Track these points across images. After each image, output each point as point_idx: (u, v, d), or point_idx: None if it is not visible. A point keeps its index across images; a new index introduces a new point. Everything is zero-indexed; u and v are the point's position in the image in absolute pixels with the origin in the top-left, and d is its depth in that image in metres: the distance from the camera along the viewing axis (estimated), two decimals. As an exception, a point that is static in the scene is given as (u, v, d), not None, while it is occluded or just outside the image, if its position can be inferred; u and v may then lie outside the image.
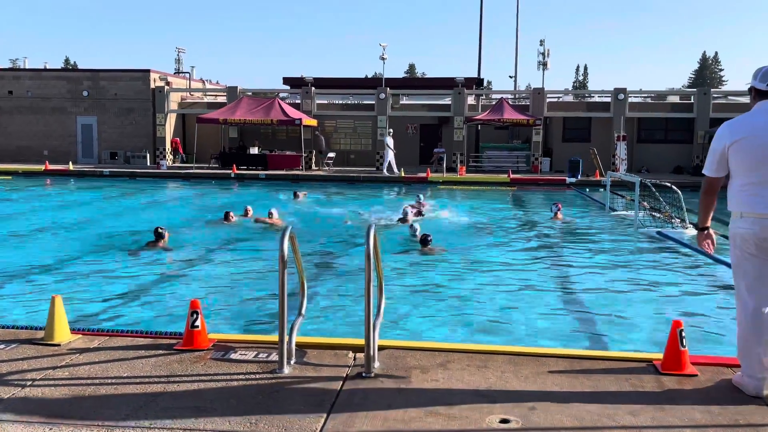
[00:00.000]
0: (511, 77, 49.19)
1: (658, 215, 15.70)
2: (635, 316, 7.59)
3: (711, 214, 4.19)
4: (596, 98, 35.23)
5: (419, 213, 15.50)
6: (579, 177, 26.69)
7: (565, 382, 4.23)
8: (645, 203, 16.57)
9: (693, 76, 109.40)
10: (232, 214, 14.57)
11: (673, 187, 15.38)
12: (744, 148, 3.87)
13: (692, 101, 31.09)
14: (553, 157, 31.46)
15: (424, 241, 11.17)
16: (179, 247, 11.82)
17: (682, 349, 4.38)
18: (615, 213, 17.28)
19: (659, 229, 14.13)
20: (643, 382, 4.24)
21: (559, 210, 16.04)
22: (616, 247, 12.47)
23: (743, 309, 4.01)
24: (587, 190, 24.05)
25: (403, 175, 26.86)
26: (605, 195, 19.02)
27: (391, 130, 29.59)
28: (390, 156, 28.14)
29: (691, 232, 13.77)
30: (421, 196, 18.55)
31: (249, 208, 15.12)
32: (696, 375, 4.34)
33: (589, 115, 31.93)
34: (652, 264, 10.91)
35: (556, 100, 34.65)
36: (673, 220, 14.93)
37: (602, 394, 4.05)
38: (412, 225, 12.05)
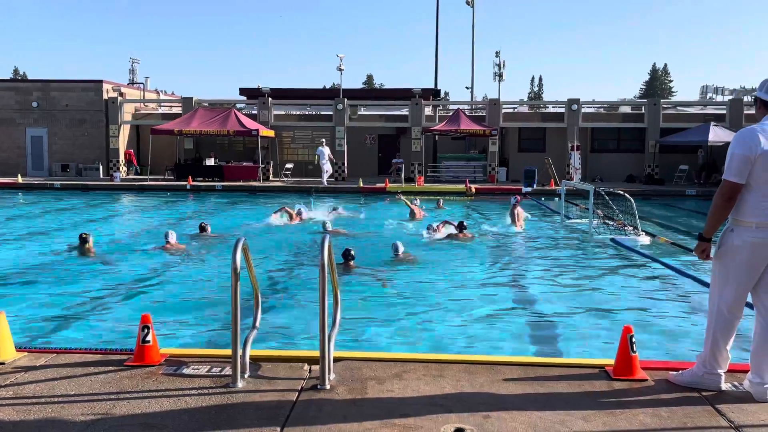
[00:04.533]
0: (467, 88, 49.76)
1: (612, 223, 16.01)
2: (589, 322, 7.71)
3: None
4: (551, 109, 35.90)
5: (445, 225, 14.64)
6: (534, 186, 27.10)
7: (519, 390, 4.26)
8: (599, 211, 16.89)
9: (644, 87, 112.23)
10: (207, 225, 14.44)
11: (626, 195, 15.71)
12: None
13: (643, 111, 31.89)
14: (510, 167, 31.89)
15: (346, 255, 10.62)
16: (130, 261, 11.61)
17: (633, 354, 4.46)
18: (570, 221, 17.56)
19: (613, 237, 14.41)
20: (596, 388, 4.30)
21: (518, 202, 16.43)
22: (570, 255, 12.66)
23: (719, 313, 4.14)
24: (542, 199, 24.43)
25: (361, 185, 26.87)
26: (560, 204, 19.32)
27: (324, 140, 29.54)
28: (327, 166, 28.27)
29: (644, 239, 14.08)
30: (417, 201, 18.64)
31: (301, 209, 16.66)
32: (646, 380, 4.42)
33: (544, 125, 32.48)
34: (605, 271, 11.11)
35: (511, 110, 35.14)
36: (626, 228, 15.24)
37: (555, 400, 4.10)
38: (394, 243, 11.75)
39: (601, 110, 35.60)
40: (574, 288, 9.68)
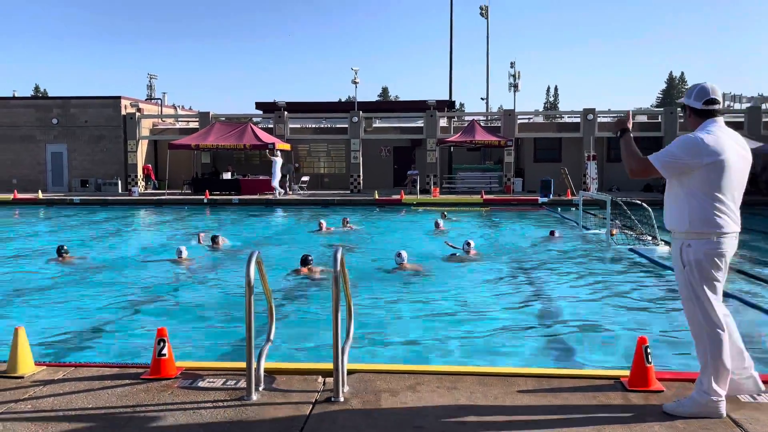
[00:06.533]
0: (482, 99, 49.80)
1: (630, 233, 15.91)
2: (606, 333, 7.66)
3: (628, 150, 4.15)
4: (566, 119, 35.78)
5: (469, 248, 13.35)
6: (551, 196, 26.99)
7: (534, 402, 4.24)
8: (617, 221, 16.79)
9: (661, 95, 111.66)
10: (220, 237, 14.77)
11: (644, 204, 15.62)
12: (719, 169, 3.86)
13: (660, 120, 31.70)
14: (525, 178, 31.82)
15: (304, 261, 11.12)
16: (146, 274, 11.71)
17: (648, 365, 4.43)
18: (587, 231, 17.48)
19: (631, 247, 14.31)
20: (610, 400, 4.27)
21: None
22: (588, 265, 12.59)
23: (711, 333, 3.91)
24: (559, 209, 24.32)
25: (377, 197, 26.92)
26: (578, 214, 19.23)
27: (278, 152, 29.62)
28: (277, 175, 28.56)
29: (663, 248, 13.97)
30: (441, 220, 18.37)
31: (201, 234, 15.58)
32: (662, 391, 4.38)
33: (560, 135, 32.39)
34: (623, 281, 11.02)
35: (527, 121, 35.09)
36: (644, 237, 15.14)
37: (570, 412, 4.07)
38: (399, 253, 11.77)
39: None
40: (591, 298, 9.62)
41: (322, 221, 18.07)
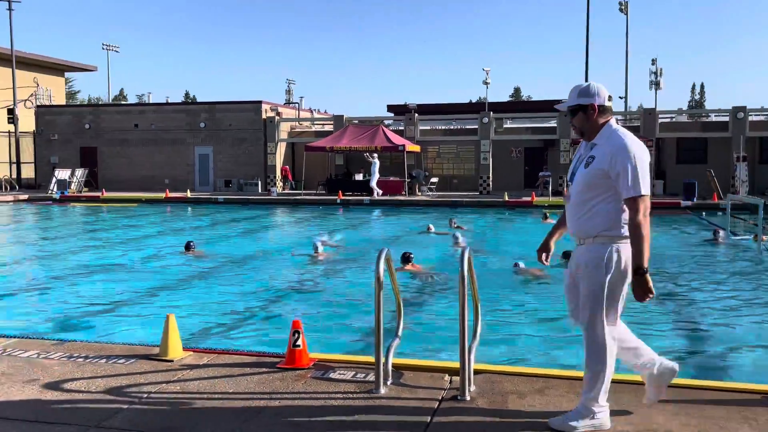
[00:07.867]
0: (621, 98, 47.65)
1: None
2: (752, 345, 7.13)
3: None
4: (713, 118, 33.58)
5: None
6: (695, 200, 25.41)
7: (670, 412, 4.04)
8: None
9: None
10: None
11: (800, 209, 14.34)
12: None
13: (821, 119, 29.01)
14: (667, 180, 30.15)
15: (406, 259, 11.16)
16: (284, 268, 12.26)
17: (801, 381, 4.09)
18: (736, 237, 16.33)
19: (785, 255, 13.22)
20: (757, 416, 3.98)
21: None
22: (736, 273, 11.77)
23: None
24: (704, 213, 22.87)
25: (506, 199, 26.56)
26: (725, 219, 18.01)
27: (376, 154, 29.35)
28: (375, 176, 28.91)
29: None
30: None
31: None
32: (817, 410, 4.03)
33: (705, 135, 30.42)
34: (775, 292, 10.21)
35: (669, 120, 33.26)
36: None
37: (710, 425, 3.84)
38: (516, 263, 11.59)
39: (772, 118, 32.78)
40: (736, 307, 8.99)
41: (431, 225, 18.11)
